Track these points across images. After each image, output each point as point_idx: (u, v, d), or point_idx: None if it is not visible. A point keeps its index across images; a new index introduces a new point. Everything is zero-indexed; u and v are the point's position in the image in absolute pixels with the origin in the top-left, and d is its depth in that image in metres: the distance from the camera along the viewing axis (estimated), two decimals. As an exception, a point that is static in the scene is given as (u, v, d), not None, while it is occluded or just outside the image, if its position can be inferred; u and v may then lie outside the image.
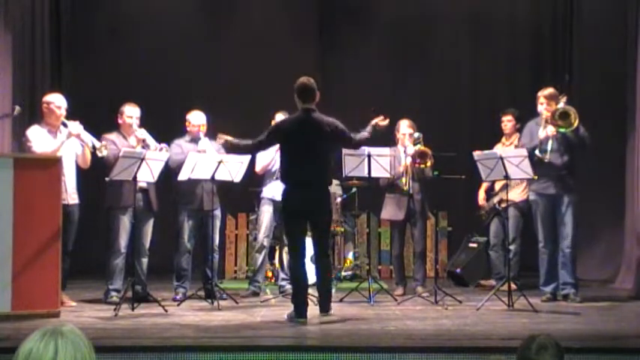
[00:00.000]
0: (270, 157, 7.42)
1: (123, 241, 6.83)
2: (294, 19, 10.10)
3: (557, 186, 6.91)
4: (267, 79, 9.67)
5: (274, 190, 7.46)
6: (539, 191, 7.00)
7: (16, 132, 7.72)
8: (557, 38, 9.92)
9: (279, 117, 7.41)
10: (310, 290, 6.96)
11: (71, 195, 6.72)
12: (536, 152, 6.78)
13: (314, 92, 6.08)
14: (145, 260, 6.97)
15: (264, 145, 6.36)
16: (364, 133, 6.32)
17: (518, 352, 2.67)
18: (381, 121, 6.41)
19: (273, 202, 7.49)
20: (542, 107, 6.95)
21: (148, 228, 6.98)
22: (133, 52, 9.78)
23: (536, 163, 6.76)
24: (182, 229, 7.16)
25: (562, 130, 6.70)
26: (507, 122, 7.95)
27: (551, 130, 6.75)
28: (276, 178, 7.35)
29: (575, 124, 6.64)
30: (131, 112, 6.97)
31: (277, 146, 7.28)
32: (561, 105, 6.74)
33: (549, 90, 7.05)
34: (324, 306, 6.03)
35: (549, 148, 6.78)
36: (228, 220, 9.33)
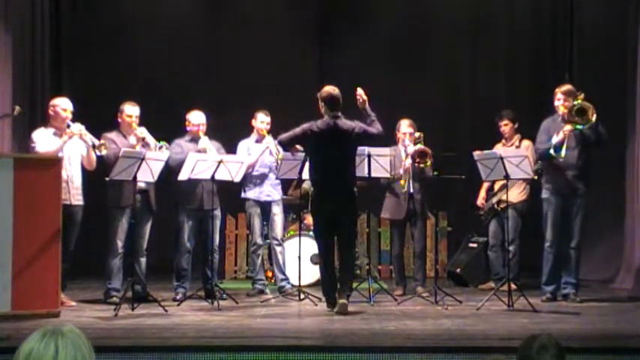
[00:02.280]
0: (253, 158, 7.42)
1: (120, 241, 6.83)
2: (294, 18, 10.10)
3: (571, 186, 6.87)
4: (267, 79, 9.69)
5: (258, 191, 7.48)
6: (553, 190, 6.96)
7: (17, 132, 7.74)
8: (557, 38, 9.92)
9: (260, 117, 7.43)
10: (309, 290, 6.99)
11: (74, 196, 6.73)
12: (551, 152, 6.74)
13: (340, 101, 6.46)
14: (143, 260, 6.96)
15: (291, 143, 6.66)
16: (372, 120, 6.54)
17: (518, 351, 2.67)
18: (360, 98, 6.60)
19: (258, 202, 7.51)
20: (560, 103, 6.87)
21: (147, 228, 6.98)
22: (133, 52, 9.78)
23: (552, 160, 6.75)
24: (182, 229, 7.16)
25: (579, 126, 6.64)
26: (504, 126, 7.90)
27: (567, 128, 6.69)
28: (276, 178, 7.36)
29: (593, 121, 6.58)
30: (131, 111, 6.98)
31: (264, 149, 7.34)
32: (578, 101, 6.67)
33: (567, 86, 7.00)
34: (344, 289, 6.30)
35: (564, 150, 6.70)
36: (228, 220, 9.32)
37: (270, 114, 7.54)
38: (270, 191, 7.55)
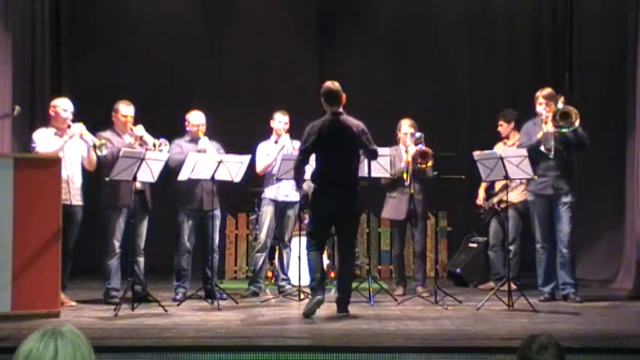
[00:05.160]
0: (271, 158, 7.42)
1: (117, 241, 6.81)
2: (294, 19, 10.11)
3: (554, 187, 6.90)
4: (267, 79, 9.71)
5: (276, 190, 7.47)
6: (537, 192, 7.00)
7: (17, 132, 7.74)
8: (557, 38, 9.93)
9: (278, 117, 7.46)
10: (311, 290, 6.96)
11: (75, 196, 6.73)
12: (542, 149, 6.77)
13: (339, 96, 6.28)
14: (141, 260, 6.94)
15: (306, 155, 6.34)
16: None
17: (518, 351, 2.67)
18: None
19: (275, 202, 7.50)
20: (541, 107, 6.94)
21: (143, 228, 6.96)
22: (133, 52, 9.78)
23: (534, 162, 6.77)
24: (182, 229, 7.15)
25: (564, 130, 6.69)
26: (499, 127, 7.98)
27: (549, 127, 6.74)
28: (277, 180, 7.35)
29: (577, 124, 6.63)
30: (126, 111, 6.97)
31: (279, 147, 7.34)
32: (561, 105, 6.73)
33: (548, 90, 7.05)
34: (342, 307, 6.16)
35: (552, 143, 6.76)
36: (228, 220, 9.33)
37: (287, 113, 7.51)
38: (289, 192, 7.48)
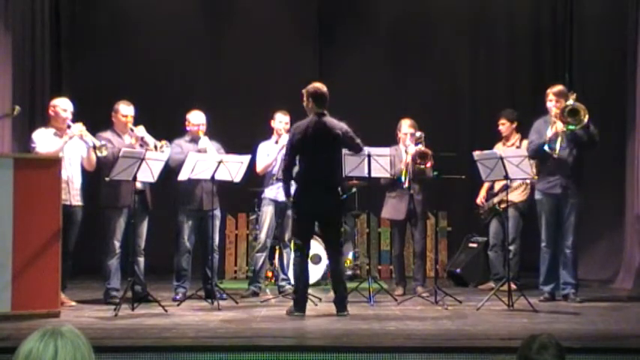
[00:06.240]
0: (271, 158, 7.42)
1: (118, 241, 6.81)
2: (294, 19, 10.11)
3: (563, 186, 6.86)
4: (267, 79, 9.71)
5: (276, 190, 7.47)
6: (545, 190, 6.96)
7: (17, 132, 7.74)
8: (557, 38, 9.93)
9: (279, 117, 7.46)
10: (311, 290, 6.97)
11: (75, 196, 6.72)
12: (545, 148, 6.74)
13: (327, 98, 6.35)
14: (141, 260, 6.93)
15: (294, 156, 6.32)
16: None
17: (519, 351, 2.67)
18: None
19: (275, 202, 7.49)
20: (552, 104, 6.88)
21: (143, 228, 6.96)
22: (133, 52, 9.78)
23: (543, 161, 6.74)
24: (182, 229, 7.15)
25: (571, 127, 6.63)
26: (501, 125, 7.93)
27: (560, 126, 6.69)
28: (277, 180, 7.34)
29: (585, 121, 6.59)
30: (126, 111, 6.97)
31: (280, 147, 7.34)
32: (570, 102, 6.68)
33: (559, 87, 7.00)
34: (341, 307, 6.19)
35: (558, 144, 6.74)
36: (228, 220, 9.33)
37: (287, 113, 7.50)
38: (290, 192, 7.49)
